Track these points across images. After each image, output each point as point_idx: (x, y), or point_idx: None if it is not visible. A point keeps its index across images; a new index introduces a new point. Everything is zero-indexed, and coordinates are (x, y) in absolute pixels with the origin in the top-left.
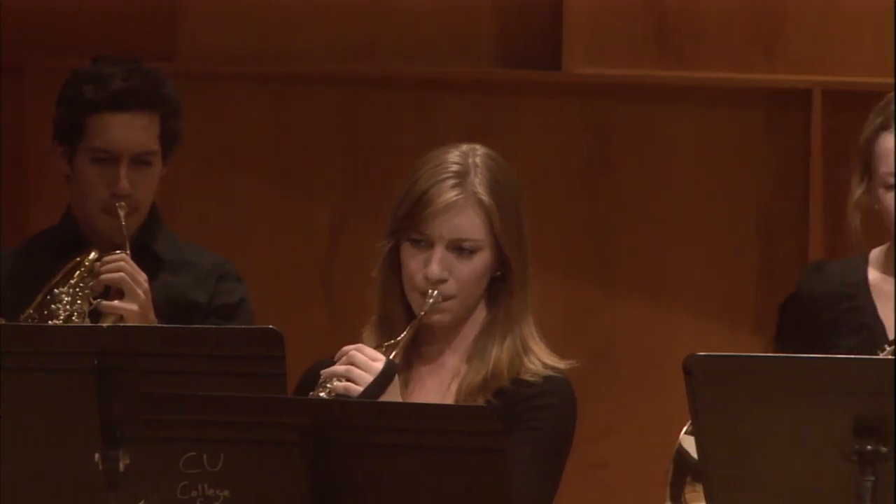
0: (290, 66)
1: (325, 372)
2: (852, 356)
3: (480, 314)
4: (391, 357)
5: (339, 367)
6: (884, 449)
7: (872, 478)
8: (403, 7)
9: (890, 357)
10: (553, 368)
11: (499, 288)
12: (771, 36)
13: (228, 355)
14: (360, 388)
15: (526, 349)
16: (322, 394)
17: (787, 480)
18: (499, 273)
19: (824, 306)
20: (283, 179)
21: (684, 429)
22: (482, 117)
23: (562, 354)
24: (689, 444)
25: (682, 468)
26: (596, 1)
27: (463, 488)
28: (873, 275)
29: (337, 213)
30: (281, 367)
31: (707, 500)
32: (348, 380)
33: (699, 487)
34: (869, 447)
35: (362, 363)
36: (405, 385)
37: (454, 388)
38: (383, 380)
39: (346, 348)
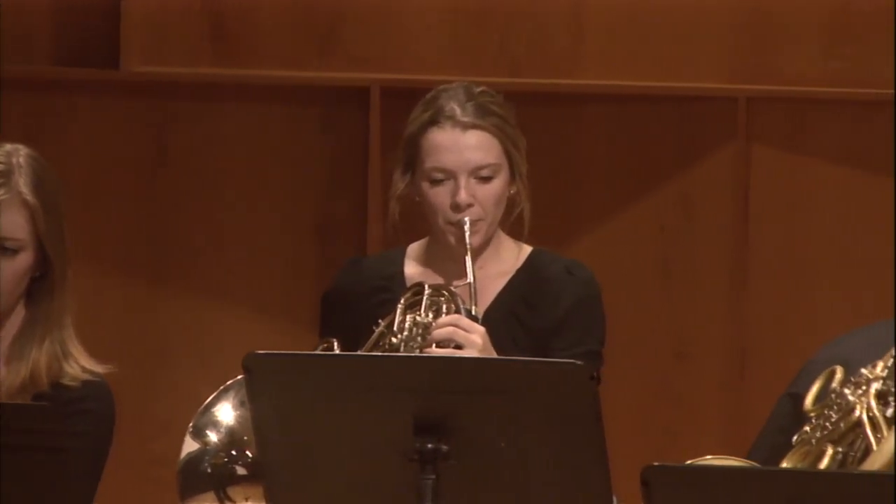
0: None
1: None
2: (411, 354)
3: (19, 315)
4: None
5: None
6: (444, 447)
7: (433, 476)
8: None
9: (448, 354)
10: (92, 373)
11: (38, 289)
12: (327, 35)
13: None
14: None
15: (65, 353)
16: None
17: (348, 480)
18: (38, 273)
19: (359, 299)
20: None
21: (189, 425)
22: (38, 116)
23: (117, 352)
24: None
25: (191, 475)
26: (153, 0)
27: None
28: (411, 268)
29: None
30: None
31: (267, 502)
32: None
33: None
34: (429, 445)
35: None
36: None
37: None
38: None
39: None
